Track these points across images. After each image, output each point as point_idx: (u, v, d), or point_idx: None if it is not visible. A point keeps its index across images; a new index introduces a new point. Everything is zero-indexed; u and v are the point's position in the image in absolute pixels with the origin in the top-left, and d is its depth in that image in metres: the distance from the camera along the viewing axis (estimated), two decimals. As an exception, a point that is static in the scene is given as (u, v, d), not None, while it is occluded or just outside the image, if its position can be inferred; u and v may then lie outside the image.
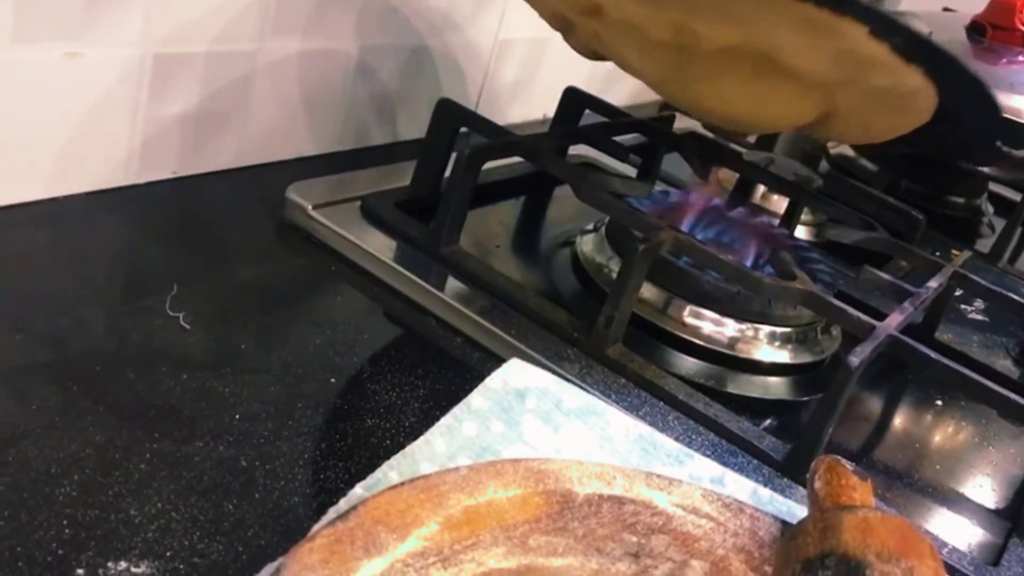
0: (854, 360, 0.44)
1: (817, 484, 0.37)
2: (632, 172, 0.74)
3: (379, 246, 0.54)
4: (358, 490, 0.37)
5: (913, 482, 0.51)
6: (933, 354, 0.47)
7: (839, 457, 0.38)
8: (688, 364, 0.54)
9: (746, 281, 0.50)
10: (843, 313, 0.48)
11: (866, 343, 0.46)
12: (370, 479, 0.38)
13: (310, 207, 0.55)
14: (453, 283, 0.53)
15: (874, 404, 0.59)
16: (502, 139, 0.56)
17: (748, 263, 0.58)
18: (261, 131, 0.61)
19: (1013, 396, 0.46)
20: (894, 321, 0.49)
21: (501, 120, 0.82)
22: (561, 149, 0.71)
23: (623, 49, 0.54)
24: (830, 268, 0.59)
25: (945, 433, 0.58)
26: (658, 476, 0.40)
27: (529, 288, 0.54)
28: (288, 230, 0.56)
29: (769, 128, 0.66)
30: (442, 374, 0.48)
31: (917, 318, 0.65)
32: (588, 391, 0.47)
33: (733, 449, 0.47)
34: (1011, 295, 0.60)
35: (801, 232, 0.79)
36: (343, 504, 0.36)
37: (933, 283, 0.56)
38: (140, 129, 0.54)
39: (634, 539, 0.36)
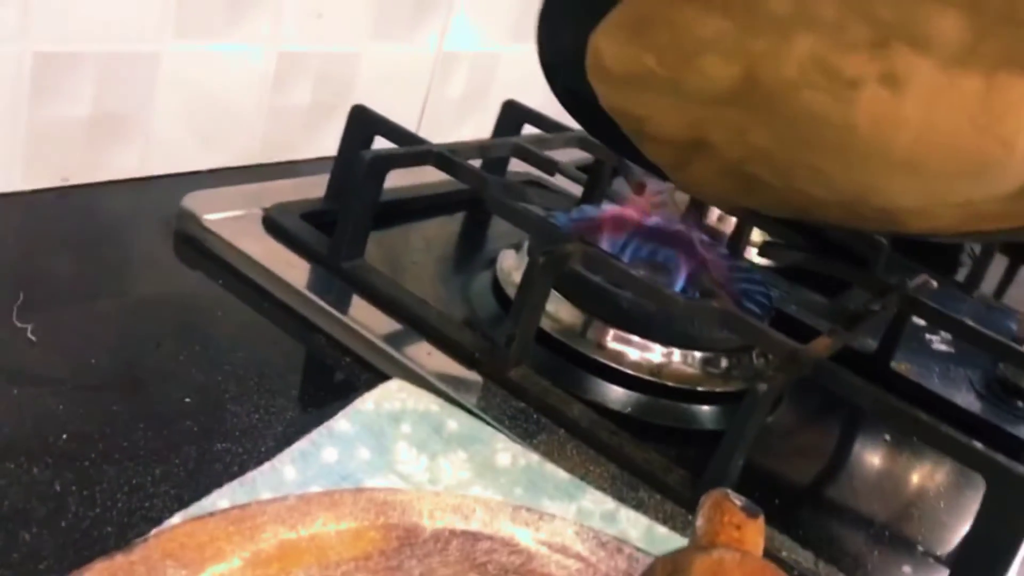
0: (762, 386, 0.39)
1: (699, 521, 0.33)
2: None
3: (272, 258, 0.50)
4: (175, 519, 0.33)
5: (845, 521, 0.46)
6: (860, 381, 0.43)
7: (729, 492, 0.34)
8: (612, 393, 0.50)
9: (657, 298, 0.46)
10: (762, 334, 0.44)
11: (781, 367, 0.41)
12: (194, 507, 0.34)
13: (203, 216, 0.52)
14: (350, 299, 0.50)
15: (815, 435, 0.54)
16: (410, 148, 0.53)
17: (680, 284, 0.54)
18: (168, 139, 0.58)
19: (945, 428, 0.41)
20: (821, 345, 0.45)
21: (448, 138, 0.79)
22: (500, 165, 0.68)
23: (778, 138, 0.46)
24: (768, 291, 0.55)
25: (888, 470, 0.53)
26: (528, 510, 0.35)
27: (435, 306, 0.50)
28: (182, 242, 0.53)
29: (996, 176, 0.45)
30: (319, 396, 0.44)
31: (867, 346, 0.60)
32: (480, 416, 0.43)
33: (635, 482, 0.42)
34: (967, 321, 0.56)
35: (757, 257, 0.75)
36: (152, 535, 0.32)
37: (876, 306, 0.52)
38: (23, 132, 0.51)
39: (481, 581, 0.32)
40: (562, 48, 0.50)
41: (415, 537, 0.32)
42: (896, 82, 0.42)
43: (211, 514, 0.30)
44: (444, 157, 0.52)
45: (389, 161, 0.50)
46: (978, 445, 0.40)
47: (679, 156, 0.52)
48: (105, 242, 0.52)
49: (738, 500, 0.34)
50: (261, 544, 0.30)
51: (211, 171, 0.62)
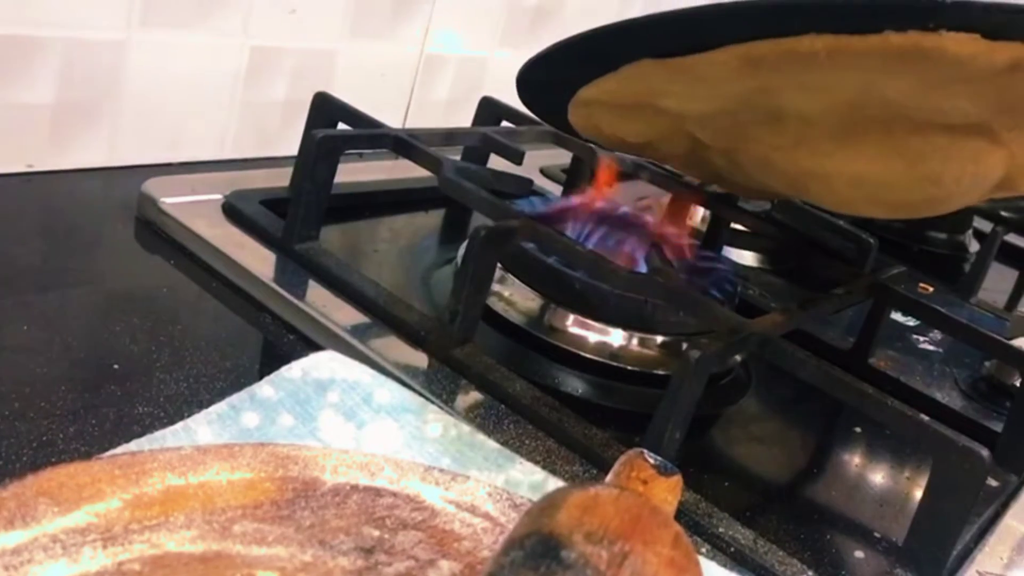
0: (695, 353, 0.38)
1: (609, 477, 0.32)
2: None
3: (225, 240, 0.50)
4: (71, 470, 0.32)
5: (797, 506, 0.45)
6: (805, 354, 0.41)
7: (646, 451, 0.33)
8: (568, 377, 0.49)
9: (601, 272, 0.45)
10: (705, 307, 0.43)
11: (718, 337, 0.40)
12: (94, 459, 0.33)
13: (160, 200, 0.52)
14: (301, 280, 0.49)
15: (781, 425, 0.53)
16: (365, 130, 0.52)
17: (644, 269, 0.53)
18: (136, 131, 0.58)
19: (892, 402, 0.39)
20: (769, 320, 0.43)
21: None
22: (479, 160, 0.67)
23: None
24: (734, 279, 0.54)
25: (852, 461, 0.51)
26: (440, 471, 0.34)
27: (383, 286, 0.49)
28: (142, 226, 0.53)
29: (943, 204, 0.48)
30: (254, 370, 0.43)
31: (843, 343, 0.59)
32: (417, 390, 0.42)
33: (572, 457, 0.41)
34: (939, 308, 0.54)
35: (750, 259, 0.74)
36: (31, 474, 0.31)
37: (840, 291, 0.50)
38: (-17, 116, 0.51)
39: (375, 533, 0.31)
40: (544, 106, 0.55)
41: (313, 490, 0.31)
42: (806, 147, 0.45)
43: (98, 457, 0.30)
44: (401, 140, 0.52)
45: (340, 141, 0.50)
46: (924, 418, 0.39)
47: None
48: (65, 225, 0.52)
49: (652, 459, 0.32)
50: (145, 488, 0.29)
51: (182, 164, 0.62)
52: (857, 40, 0.38)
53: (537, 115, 0.57)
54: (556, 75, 0.49)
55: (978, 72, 0.38)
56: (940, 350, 0.66)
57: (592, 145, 0.61)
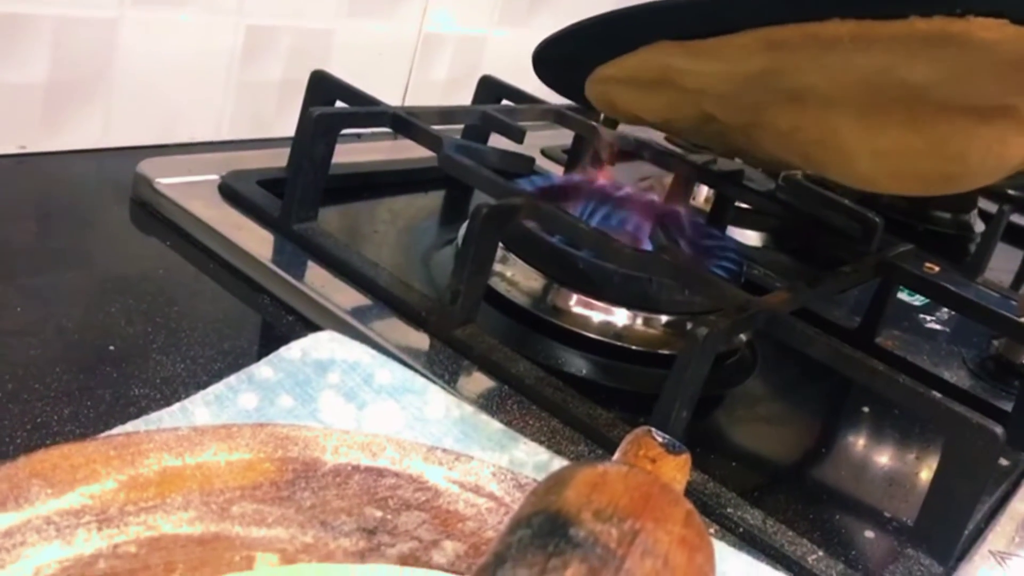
0: (702, 330, 0.37)
1: (616, 455, 0.31)
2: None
3: (222, 220, 0.49)
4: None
5: (806, 487, 0.44)
6: (814, 331, 0.40)
7: (653, 429, 0.32)
8: (571, 357, 0.48)
9: (606, 251, 0.44)
10: (712, 284, 0.42)
11: (725, 314, 0.39)
12: (89, 440, 0.32)
13: (156, 180, 0.51)
14: (300, 261, 0.48)
15: (788, 405, 0.52)
16: (363, 108, 0.51)
17: (648, 247, 0.52)
18: (130, 111, 0.57)
19: (903, 379, 0.39)
20: (776, 298, 0.42)
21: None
22: (479, 139, 0.66)
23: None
24: (739, 258, 0.53)
25: (860, 441, 0.50)
26: (444, 451, 0.34)
27: (384, 266, 0.48)
28: (138, 208, 0.52)
29: (967, 182, 0.47)
30: (252, 352, 0.42)
31: (849, 323, 0.58)
32: (419, 371, 0.41)
33: (576, 437, 0.40)
34: (948, 286, 0.53)
35: (755, 238, 0.73)
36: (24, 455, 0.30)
37: (847, 268, 0.49)
38: (-25, 95, 0.50)
39: (378, 514, 0.30)
40: (560, 83, 0.55)
41: (313, 470, 0.31)
42: (827, 126, 0.45)
43: (93, 439, 0.29)
44: (400, 118, 0.51)
45: (338, 119, 0.49)
46: (936, 395, 0.38)
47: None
48: (59, 207, 0.51)
49: (660, 437, 0.32)
50: (141, 469, 0.28)
51: (177, 145, 0.61)
52: (882, 25, 0.37)
53: (554, 90, 0.57)
54: (573, 54, 0.48)
55: (1005, 57, 0.37)
56: (947, 329, 0.65)
57: (594, 124, 0.60)
